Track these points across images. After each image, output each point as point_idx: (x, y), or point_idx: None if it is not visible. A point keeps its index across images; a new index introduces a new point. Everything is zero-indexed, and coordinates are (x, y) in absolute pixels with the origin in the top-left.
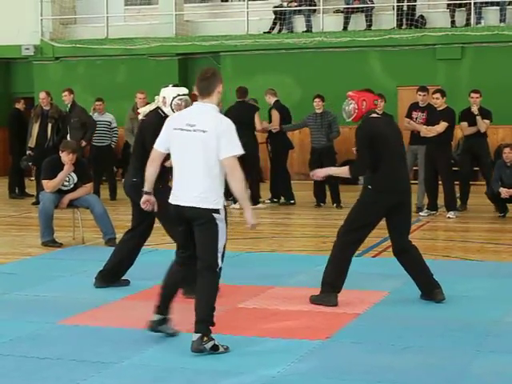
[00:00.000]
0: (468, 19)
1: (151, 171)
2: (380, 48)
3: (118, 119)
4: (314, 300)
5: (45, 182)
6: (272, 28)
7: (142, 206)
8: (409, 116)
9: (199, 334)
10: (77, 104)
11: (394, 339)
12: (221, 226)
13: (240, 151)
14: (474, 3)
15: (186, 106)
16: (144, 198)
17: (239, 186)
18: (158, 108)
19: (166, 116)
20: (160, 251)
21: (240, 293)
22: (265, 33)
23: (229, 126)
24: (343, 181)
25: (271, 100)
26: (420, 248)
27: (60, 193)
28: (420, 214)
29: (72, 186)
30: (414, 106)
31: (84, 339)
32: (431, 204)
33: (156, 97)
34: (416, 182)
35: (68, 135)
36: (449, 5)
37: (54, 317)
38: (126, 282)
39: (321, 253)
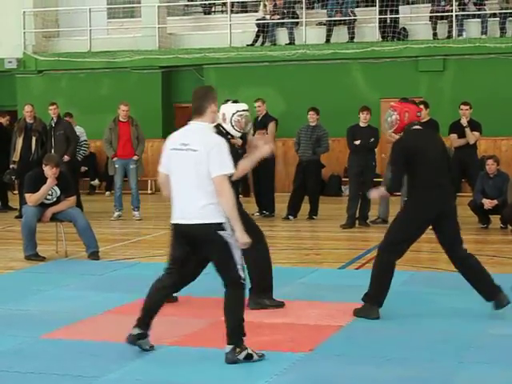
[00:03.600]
0: (450, 31)
1: (167, 195)
2: (363, 60)
3: (100, 132)
4: (358, 313)
5: (27, 196)
6: (255, 41)
7: None
8: None
9: (232, 346)
10: (62, 118)
11: (376, 351)
12: (230, 241)
13: (230, 170)
14: (456, 16)
15: (246, 123)
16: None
17: (229, 205)
18: (219, 125)
19: (227, 133)
20: (143, 264)
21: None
22: (248, 45)
23: (219, 144)
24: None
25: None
26: (403, 260)
27: (43, 206)
28: None
29: (55, 199)
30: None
31: (66, 353)
32: None
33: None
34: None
35: (52, 149)
36: (431, 17)
37: (36, 331)
38: None
39: (304, 265)
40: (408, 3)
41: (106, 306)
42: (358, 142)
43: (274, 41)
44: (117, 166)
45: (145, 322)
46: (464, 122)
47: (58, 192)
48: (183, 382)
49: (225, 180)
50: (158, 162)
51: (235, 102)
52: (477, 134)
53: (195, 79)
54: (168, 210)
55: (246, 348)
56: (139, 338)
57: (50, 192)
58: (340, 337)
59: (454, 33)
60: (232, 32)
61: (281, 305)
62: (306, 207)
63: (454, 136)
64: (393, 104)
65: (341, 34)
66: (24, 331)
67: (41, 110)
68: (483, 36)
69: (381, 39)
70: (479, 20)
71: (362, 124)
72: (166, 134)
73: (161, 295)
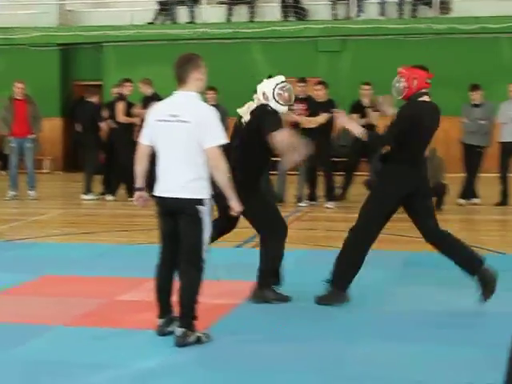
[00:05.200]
0: (349, 12)
1: (140, 169)
2: (263, 40)
3: None
4: (321, 300)
5: None
6: (155, 19)
7: (135, 203)
8: None
9: (183, 330)
10: None
11: (270, 329)
12: (205, 219)
13: (223, 141)
14: None
15: (290, 94)
16: (137, 194)
17: (223, 176)
18: (267, 105)
19: (275, 111)
20: (39, 244)
21: (117, 285)
22: (148, 23)
23: (210, 115)
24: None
25: (148, 90)
26: (300, 238)
27: None
28: (299, 204)
29: None
30: (294, 98)
31: None
32: (311, 194)
33: (254, 95)
34: (296, 173)
35: None
36: None
37: None
38: None
39: None
40: None
41: (3, 286)
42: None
43: (175, 19)
44: (13, 144)
45: (163, 307)
46: (366, 102)
47: None
48: (77, 362)
49: (218, 151)
50: (56, 141)
51: (270, 77)
52: (377, 113)
53: (94, 57)
54: (63, 189)
55: (196, 331)
56: (167, 325)
57: None
58: (235, 315)
59: (353, 13)
60: (132, 10)
61: (286, 299)
62: None
63: (354, 116)
64: (400, 70)
65: (242, 14)
66: None
67: None
68: (381, 17)
69: (281, 19)
70: (377, 1)
71: (474, 102)
72: (64, 113)
73: (166, 272)
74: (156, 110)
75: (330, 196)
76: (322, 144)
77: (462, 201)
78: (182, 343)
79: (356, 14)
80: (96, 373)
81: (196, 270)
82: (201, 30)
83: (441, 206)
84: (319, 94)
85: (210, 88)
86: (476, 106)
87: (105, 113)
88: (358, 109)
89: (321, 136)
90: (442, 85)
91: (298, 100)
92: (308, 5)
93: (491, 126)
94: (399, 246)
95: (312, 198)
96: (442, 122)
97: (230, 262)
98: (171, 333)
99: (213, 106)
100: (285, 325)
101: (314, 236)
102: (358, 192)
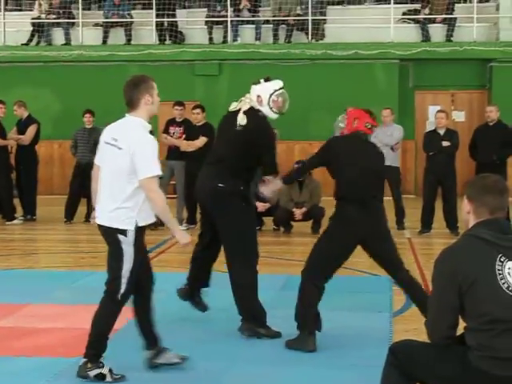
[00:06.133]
0: (225, 36)
1: (94, 188)
2: (140, 62)
3: None
4: (291, 345)
5: None
6: (30, 40)
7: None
8: (166, 131)
9: (85, 360)
10: None
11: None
12: (126, 249)
13: (156, 172)
14: (231, 21)
15: (284, 102)
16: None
17: (158, 207)
18: (257, 110)
19: (265, 117)
20: None
21: None
22: (23, 44)
23: (145, 144)
24: None
25: (23, 113)
26: (178, 262)
27: None
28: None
29: None
30: (171, 121)
31: None
32: (190, 218)
33: (246, 95)
34: (174, 196)
35: None
36: (207, 22)
37: None
38: None
39: (80, 268)
40: (185, 7)
41: None
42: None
43: (50, 41)
44: None
45: (149, 340)
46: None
47: None
48: None
49: (152, 182)
50: None
51: (267, 80)
52: None
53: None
54: None
55: (102, 367)
56: (156, 357)
57: None
58: (113, 341)
59: (230, 38)
60: (6, 30)
61: (278, 335)
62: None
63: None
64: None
65: (118, 36)
66: None
67: None
68: (257, 42)
69: (158, 42)
70: (253, 26)
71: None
72: None
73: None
74: (106, 131)
75: None
76: (200, 167)
77: None
78: (81, 375)
79: (232, 39)
80: None
81: (111, 302)
82: (76, 51)
83: (319, 230)
84: (197, 117)
85: (87, 111)
86: None
87: None
88: None
89: (200, 160)
90: (317, 109)
91: (175, 124)
92: (185, 29)
93: None
94: (277, 268)
95: (191, 221)
96: (319, 146)
97: None
98: (165, 365)
99: (90, 129)
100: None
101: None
102: None
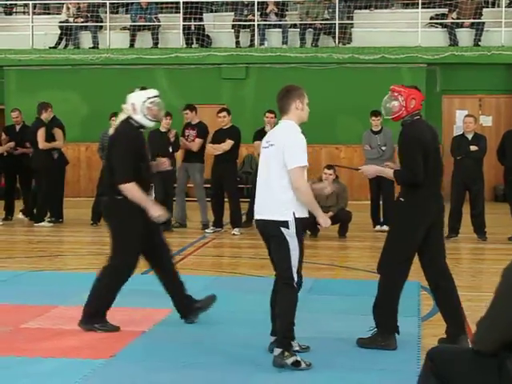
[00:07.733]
0: (252, 40)
1: None
2: (167, 66)
3: None
4: (365, 344)
5: None
6: (58, 43)
7: None
8: (183, 134)
9: (280, 350)
10: None
11: (176, 356)
12: (290, 240)
13: (304, 163)
14: (258, 25)
15: (159, 109)
16: None
17: (304, 197)
18: (130, 118)
19: (140, 126)
20: None
21: (23, 313)
22: (51, 48)
23: (295, 140)
24: None
25: (50, 115)
26: (205, 265)
27: None
28: (205, 231)
29: None
30: (187, 125)
31: None
32: (217, 221)
33: (123, 106)
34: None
35: None
36: (233, 26)
37: None
38: None
39: None
40: (212, 11)
41: None
42: None
43: (78, 44)
44: None
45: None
46: (268, 129)
47: None
48: None
49: (299, 171)
50: None
51: (143, 88)
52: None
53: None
54: None
55: (296, 355)
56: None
57: None
58: (140, 343)
59: (256, 42)
60: (34, 34)
61: (116, 329)
62: None
63: (258, 143)
64: (396, 88)
65: (145, 40)
66: None
67: None
68: (284, 46)
69: (185, 46)
70: (280, 30)
71: (374, 128)
72: None
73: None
74: (263, 139)
75: (236, 222)
76: (227, 171)
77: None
78: (279, 364)
79: (259, 42)
80: None
81: (290, 291)
82: (104, 55)
83: (345, 233)
84: (224, 120)
85: (114, 114)
86: (375, 132)
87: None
88: (261, 136)
89: (226, 163)
90: (345, 113)
91: (190, 127)
92: (212, 32)
93: (392, 151)
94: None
95: (218, 224)
96: (347, 150)
97: (136, 289)
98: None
99: (227, 128)
100: (191, 352)
101: (218, 263)
102: None
